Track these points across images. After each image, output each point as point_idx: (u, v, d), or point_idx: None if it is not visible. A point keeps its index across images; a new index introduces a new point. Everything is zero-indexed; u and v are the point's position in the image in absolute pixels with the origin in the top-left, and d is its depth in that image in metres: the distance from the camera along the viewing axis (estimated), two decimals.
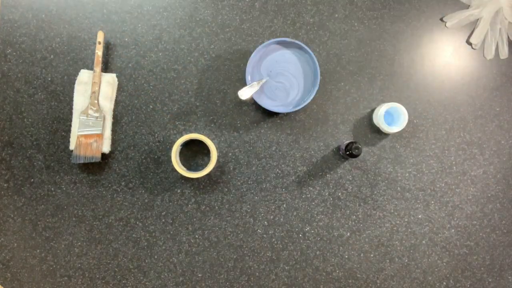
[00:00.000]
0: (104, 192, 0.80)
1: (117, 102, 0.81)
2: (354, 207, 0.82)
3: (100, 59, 0.78)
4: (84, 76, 0.78)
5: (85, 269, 0.80)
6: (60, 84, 0.80)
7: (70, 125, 0.79)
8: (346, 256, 0.82)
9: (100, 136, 0.77)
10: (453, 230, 0.84)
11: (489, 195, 0.84)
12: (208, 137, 0.77)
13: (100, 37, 0.78)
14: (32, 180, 0.79)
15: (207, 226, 0.81)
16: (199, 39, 0.82)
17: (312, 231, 0.82)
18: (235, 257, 0.81)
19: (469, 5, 0.86)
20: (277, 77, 0.81)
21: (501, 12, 0.85)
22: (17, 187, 0.79)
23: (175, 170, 0.79)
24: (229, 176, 0.81)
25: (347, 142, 0.77)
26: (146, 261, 0.80)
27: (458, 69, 0.85)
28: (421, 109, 0.84)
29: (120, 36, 0.81)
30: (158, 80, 0.81)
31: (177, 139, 0.76)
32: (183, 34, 0.82)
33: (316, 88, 0.78)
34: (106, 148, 0.78)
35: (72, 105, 0.79)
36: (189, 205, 0.81)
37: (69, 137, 0.79)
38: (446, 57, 0.85)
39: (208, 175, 0.80)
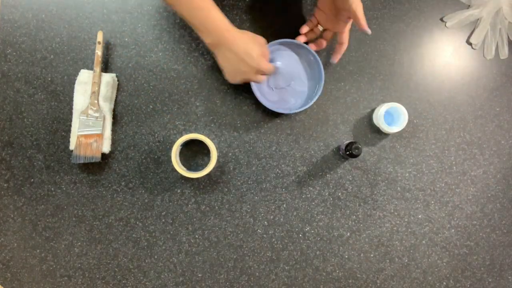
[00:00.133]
0: (104, 192, 0.80)
1: (117, 102, 0.81)
2: (354, 207, 0.82)
3: (100, 59, 0.78)
4: (84, 76, 0.78)
5: (85, 269, 0.80)
6: (60, 84, 0.80)
7: (70, 125, 0.79)
8: (346, 256, 0.82)
9: (100, 136, 0.77)
10: (453, 230, 0.84)
11: (489, 195, 0.84)
12: (208, 137, 0.77)
13: (100, 37, 0.78)
14: (32, 180, 0.79)
15: (207, 226, 0.81)
16: (199, 39, 0.82)
17: (312, 231, 0.82)
18: (235, 257, 0.81)
19: (469, 5, 0.86)
20: (280, 77, 0.81)
21: (501, 12, 0.85)
22: (17, 187, 0.79)
23: (175, 170, 0.79)
24: (229, 176, 0.81)
25: (347, 142, 0.77)
26: (146, 261, 0.80)
27: (458, 69, 0.85)
28: (421, 109, 0.84)
29: (120, 36, 0.81)
30: (158, 80, 0.81)
31: (177, 139, 0.76)
32: (183, 34, 0.82)
33: (321, 90, 0.78)
34: (106, 148, 0.78)
35: (72, 105, 0.79)
36: (189, 205, 0.81)
37: (69, 137, 0.79)
38: (446, 57, 0.85)
39: (208, 175, 0.80)
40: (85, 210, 0.80)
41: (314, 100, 0.78)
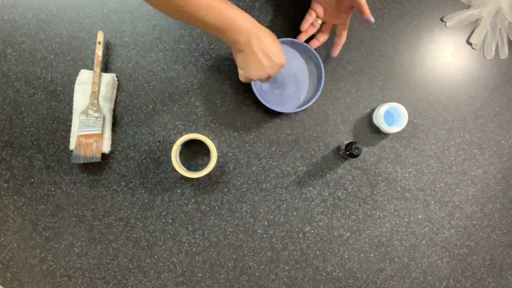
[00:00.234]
0: (104, 192, 0.80)
1: (117, 102, 0.81)
2: (354, 207, 0.82)
3: (100, 59, 0.78)
4: (84, 76, 0.78)
5: (85, 269, 0.80)
6: (60, 84, 0.80)
7: (70, 125, 0.79)
8: (346, 256, 0.82)
9: (100, 136, 0.77)
10: (453, 230, 0.84)
11: (489, 195, 0.84)
12: (208, 137, 0.77)
13: (100, 37, 0.78)
14: (32, 180, 0.79)
15: (207, 226, 0.81)
16: (199, 39, 0.82)
17: (312, 231, 0.82)
18: (235, 257, 0.81)
19: (469, 5, 0.86)
20: (281, 77, 0.81)
21: (501, 12, 0.85)
22: (17, 187, 0.79)
23: (175, 170, 0.79)
24: (229, 176, 0.81)
25: (347, 142, 0.77)
26: (146, 261, 0.80)
27: (458, 69, 0.85)
28: (421, 109, 0.84)
29: (120, 36, 0.81)
30: (158, 80, 0.81)
31: (177, 139, 0.76)
32: (183, 34, 0.82)
33: (321, 89, 0.78)
34: (106, 148, 0.78)
35: (72, 105, 0.79)
36: (189, 205, 0.81)
37: (69, 137, 0.79)
38: (446, 57, 0.85)
39: (208, 175, 0.80)
40: (85, 210, 0.80)
41: (314, 99, 0.78)
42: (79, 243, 0.80)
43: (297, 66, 0.81)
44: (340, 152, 0.81)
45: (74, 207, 0.80)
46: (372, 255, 0.82)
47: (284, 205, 0.82)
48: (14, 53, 0.80)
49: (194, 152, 0.81)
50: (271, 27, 0.83)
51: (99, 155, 0.77)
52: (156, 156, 0.81)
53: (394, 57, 0.84)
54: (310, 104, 0.78)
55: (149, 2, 0.59)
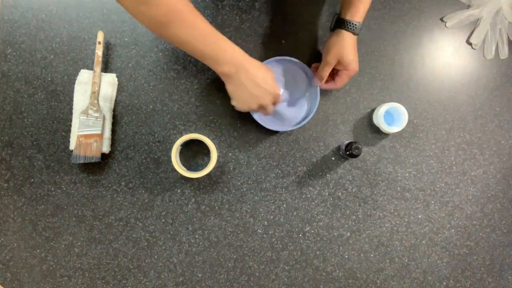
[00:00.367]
0: (104, 192, 0.80)
1: (117, 102, 0.81)
2: (354, 207, 0.82)
3: (100, 59, 0.78)
4: (84, 76, 0.78)
5: (85, 269, 0.80)
6: (60, 84, 0.80)
7: (70, 125, 0.79)
8: (346, 256, 0.82)
9: (100, 136, 0.77)
10: (453, 230, 0.84)
11: (489, 195, 0.84)
12: (208, 137, 0.77)
13: (100, 37, 0.78)
14: (32, 180, 0.79)
15: (207, 226, 0.81)
16: None
17: (312, 231, 0.82)
18: (235, 257, 0.81)
19: (469, 5, 0.86)
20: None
21: (501, 12, 0.85)
22: (17, 187, 0.79)
23: (175, 170, 0.79)
24: (229, 176, 0.81)
25: (347, 142, 0.77)
26: (146, 261, 0.80)
27: (458, 69, 0.85)
28: (421, 109, 0.84)
29: (120, 36, 0.81)
30: (158, 80, 0.81)
31: (177, 139, 0.76)
32: None
33: (316, 107, 0.77)
34: (106, 148, 0.78)
35: (72, 105, 0.79)
36: (189, 205, 0.81)
37: (69, 137, 0.79)
38: (446, 57, 0.85)
39: (208, 175, 0.79)
40: (85, 210, 0.80)
41: (309, 118, 0.77)
42: (79, 243, 0.80)
43: (292, 84, 0.81)
44: (340, 152, 0.81)
45: (74, 207, 0.80)
46: (372, 255, 0.82)
47: (284, 205, 0.82)
48: (14, 53, 0.80)
49: (194, 152, 0.81)
50: (271, 27, 0.83)
51: (99, 155, 0.77)
52: (156, 156, 0.81)
53: (394, 57, 0.84)
54: (305, 122, 0.77)
55: (148, 27, 0.61)
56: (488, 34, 0.86)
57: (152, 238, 0.80)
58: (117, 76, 0.80)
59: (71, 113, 0.79)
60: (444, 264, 0.83)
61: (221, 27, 0.82)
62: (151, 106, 0.81)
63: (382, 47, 0.84)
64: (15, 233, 0.79)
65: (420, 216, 0.83)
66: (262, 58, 0.78)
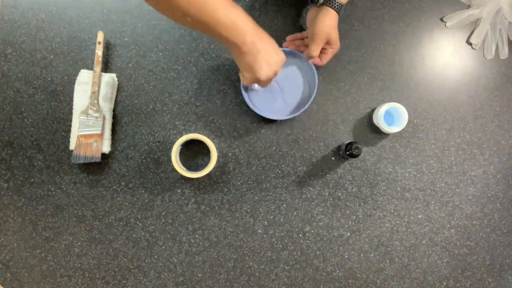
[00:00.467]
0: (104, 192, 0.80)
1: (117, 102, 0.81)
2: (354, 207, 0.82)
3: (100, 59, 0.78)
4: (84, 76, 0.78)
5: (85, 269, 0.80)
6: (60, 84, 0.80)
7: (70, 125, 0.79)
8: (346, 256, 0.82)
9: (100, 136, 0.77)
10: (453, 230, 0.84)
11: (489, 195, 0.84)
12: (208, 137, 0.77)
13: (100, 37, 0.78)
14: (32, 180, 0.79)
15: (207, 226, 0.81)
16: (199, 39, 0.82)
17: (312, 231, 0.82)
18: (235, 257, 0.81)
19: (469, 5, 0.86)
20: (275, 84, 0.80)
21: (501, 12, 0.85)
22: (17, 187, 0.79)
23: (175, 170, 0.79)
24: (229, 176, 0.81)
25: (347, 142, 0.77)
26: (146, 261, 0.80)
27: (458, 69, 0.85)
28: (421, 109, 0.84)
29: (120, 36, 0.81)
30: (158, 80, 0.81)
31: (177, 139, 0.76)
32: (183, 34, 0.82)
33: (313, 97, 0.78)
34: (106, 148, 0.78)
35: (72, 105, 0.79)
36: (189, 205, 0.81)
37: (69, 137, 0.79)
38: (446, 57, 0.85)
39: (208, 175, 0.79)
40: (85, 210, 0.80)
41: (306, 107, 0.78)
42: (79, 243, 0.80)
43: (291, 74, 0.81)
44: (340, 152, 0.81)
45: (74, 207, 0.80)
46: (372, 255, 0.82)
47: (284, 205, 0.82)
48: (14, 53, 0.80)
49: (194, 152, 0.81)
50: (271, 27, 0.83)
51: (99, 155, 0.77)
52: (156, 156, 0.81)
53: (394, 57, 0.84)
54: (301, 111, 0.78)
55: (157, 9, 0.59)
56: (488, 34, 0.85)
57: (152, 238, 0.80)
58: (117, 76, 0.80)
59: (71, 113, 0.79)
60: (444, 264, 0.83)
61: None
62: (151, 106, 0.81)
63: (382, 47, 0.84)
64: (15, 233, 0.79)
65: (420, 216, 0.83)
66: None
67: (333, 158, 0.82)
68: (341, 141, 0.83)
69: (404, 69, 0.84)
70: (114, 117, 0.80)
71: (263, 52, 0.64)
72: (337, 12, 0.72)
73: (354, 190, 0.82)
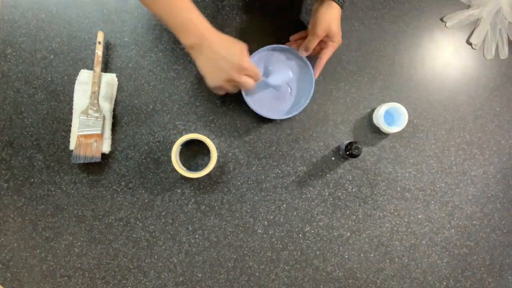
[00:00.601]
0: (104, 192, 0.80)
1: (117, 102, 0.81)
2: (354, 207, 0.82)
3: (100, 59, 0.78)
4: (84, 76, 0.78)
5: (85, 269, 0.80)
6: (60, 84, 0.80)
7: (70, 125, 0.79)
8: (346, 256, 0.82)
9: (100, 136, 0.77)
10: (453, 230, 0.84)
11: (489, 195, 0.84)
12: (208, 137, 0.77)
13: (100, 37, 0.78)
14: (32, 180, 0.79)
15: (207, 226, 0.81)
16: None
17: (312, 231, 0.82)
18: (235, 257, 0.81)
19: (469, 5, 0.86)
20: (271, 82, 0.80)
21: (501, 12, 0.85)
22: (17, 187, 0.79)
23: (175, 170, 0.79)
24: (229, 176, 0.81)
25: (347, 142, 0.77)
26: (146, 261, 0.80)
27: (458, 69, 0.85)
28: (421, 109, 0.84)
29: (120, 36, 0.81)
30: (158, 80, 0.81)
31: (177, 139, 0.76)
32: None
33: (310, 97, 0.78)
34: (106, 148, 0.78)
35: (72, 105, 0.79)
36: (189, 205, 0.81)
37: (69, 137, 0.79)
38: (446, 57, 0.85)
39: (208, 175, 0.79)
40: (85, 210, 0.80)
41: (304, 106, 0.78)
42: (79, 243, 0.80)
43: (288, 72, 0.81)
44: (340, 152, 0.81)
45: (74, 207, 0.80)
46: (372, 255, 0.82)
47: (284, 205, 0.82)
48: (14, 53, 0.80)
49: (194, 152, 0.81)
50: (271, 27, 0.83)
51: (99, 155, 0.77)
52: (156, 156, 0.81)
53: (394, 57, 0.84)
54: (299, 110, 0.78)
55: None
56: (488, 34, 0.85)
57: (152, 238, 0.80)
58: (117, 76, 0.80)
59: (71, 113, 0.79)
60: (444, 264, 0.83)
61: (221, 27, 0.82)
62: (151, 106, 0.81)
63: (382, 47, 0.84)
64: (15, 233, 0.79)
65: (420, 216, 0.83)
66: None
67: (333, 158, 0.82)
68: (341, 141, 0.83)
69: (404, 69, 0.84)
70: (114, 117, 0.80)
71: (212, 56, 0.64)
72: (339, 5, 0.71)
73: (354, 190, 0.82)
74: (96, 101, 0.77)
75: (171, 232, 0.80)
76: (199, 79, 0.82)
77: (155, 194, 0.80)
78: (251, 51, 0.81)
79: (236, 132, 0.82)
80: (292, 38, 0.81)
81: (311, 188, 0.82)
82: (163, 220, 0.80)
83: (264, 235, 0.81)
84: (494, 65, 0.86)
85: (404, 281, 0.82)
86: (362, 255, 0.82)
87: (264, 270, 0.81)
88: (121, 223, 0.80)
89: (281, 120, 0.82)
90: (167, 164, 0.80)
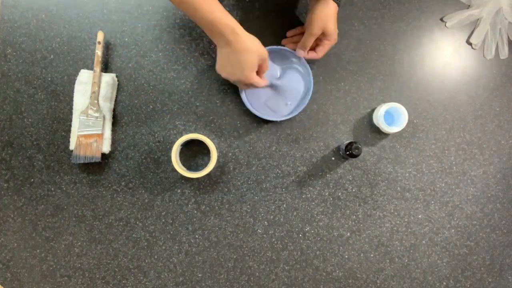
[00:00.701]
0: (104, 192, 0.80)
1: (117, 102, 0.81)
2: (354, 207, 0.82)
3: (100, 59, 0.78)
4: (84, 76, 0.78)
5: (85, 269, 0.80)
6: (60, 84, 0.80)
7: (70, 125, 0.79)
8: (346, 256, 0.82)
9: (100, 136, 0.77)
10: (453, 230, 0.84)
11: (489, 195, 0.84)
12: (208, 137, 0.77)
13: (100, 37, 0.78)
14: (32, 180, 0.79)
15: (207, 226, 0.81)
16: (199, 39, 0.82)
17: (312, 231, 0.82)
18: (235, 257, 0.81)
19: (469, 5, 0.86)
20: (271, 84, 0.80)
21: (501, 12, 0.85)
22: (17, 187, 0.79)
23: (175, 170, 0.79)
24: (229, 176, 0.81)
25: (347, 142, 0.77)
26: (146, 261, 0.80)
27: (458, 69, 0.85)
28: (421, 109, 0.84)
29: (120, 36, 0.81)
30: (158, 80, 0.81)
31: (177, 139, 0.76)
32: (183, 34, 0.82)
33: (309, 98, 0.78)
34: (106, 148, 0.78)
35: (72, 105, 0.79)
36: (189, 205, 0.81)
37: (69, 137, 0.79)
38: (446, 57, 0.85)
39: (208, 175, 0.79)
40: (85, 210, 0.80)
41: (303, 107, 0.78)
42: (79, 243, 0.80)
43: (287, 74, 0.81)
44: (340, 152, 0.81)
45: (74, 207, 0.80)
46: (372, 255, 0.82)
47: (284, 205, 0.82)
48: (14, 53, 0.80)
49: (194, 152, 0.81)
50: (271, 27, 0.83)
51: (99, 155, 0.77)
52: (156, 156, 0.81)
53: (394, 57, 0.84)
54: (297, 112, 0.78)
55: None
56: (488, 34, 0.85)
57: (152, 238, 0.80)
58: (117, 76, 0.80)
59: (71, 113, 0.79)
60: (444, 264, 0.83)
61: None
62: (151, 106, 0.81)
63: (382, 47, 0.84)
64: (15, 233, 0.79)
65: (420, 216, 0.83)
66: None
67: (333, 158, 0.82)
68: (341, 141, 0.83)
69: (404, 69, 0.84)
70: (114, 117, 0.80)
71: (230, 59, 0.66)
72: (336, 3, 0.71)
73: (354, 190, 0.82)
74: (96, 101, 0.77)
75: (171, 232, 0.80)
76: (199, 79, 0.82)
77: (155, 194, 0.80)
78: None
79: (236, 132, 0.82)
80: (288, 33, 0.81)
81: (311, 188, 0.82)
82: (163, 220, 0.80)
83: (264, 235, 0.81)
84: (494, 65, 0.86)
85: (404, 281, 0.82)
86: (362, 255, 0.82)
87: (264, 270, 0.81)
88: (121, 223, 0.80)
89: (281, 121, 0.82)
90: (167, 164, 0.80)
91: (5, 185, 0.79)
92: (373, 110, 0.83)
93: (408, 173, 0.83)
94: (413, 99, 0.84)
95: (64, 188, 0.80)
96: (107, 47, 0.81)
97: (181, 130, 0.81)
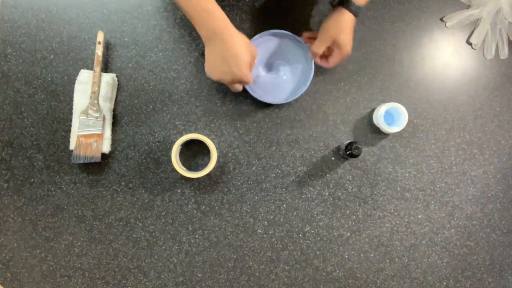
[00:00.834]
0: (104, 192, 0.80)
1: (117, 102, 0.81)
2: (354, 207, 0.82)
3: (100, 59, 0.78)
4: (84, 76, 0.78)
5: (85, 269, 0.80)
6: (60, 84, 0.80)
7: (70, 125, 0.79)
8: (346, 256, 0.82)
9: (100, 136, 0.77)
10: (453, 230, 0.84)
11: (489, 195, 0.84)
12: (208, 137, 0.77)
13: (100, 37, 0.78)
14: (32, 180, 0.79)
15: (207, 226, 0.81)
16: (199, 39, 0.82)
17: (312, 231, 0.82)
18: (235, 257, 0.81)
19: (469, 5, 0.86)
20: (271, 68, 0.80)
21: (501, 12, 0.85)
22: (17, 187, 0.79)
23: (175, 170, 0.79)
24: (229, 176, 0.81)
25: (347, 142, 0.77)
26: (146, 261, 0.80)
27: (458, 69, 0.85)
28: (421, 109, 0.84)
29: (120, 36, 0.81)
30: (158, 80, 0.81)
31: (177, 139, 0.76)
32: (183, 34, 0.82)
33: (310, 79, 0.77)
34: (106, 148, 0.78)
35: (72, 105, 0.79)
36: (189, 205, 0.81)
37: (69, 137, 0.79)
38: (446, 57, 0.85)
39: (208, 175, 0.80)
40: (85, 210, 0.80)
41: (304, 90, 0.77)
42: (79, 243, 0.80)
43: (288, 57, 0.80)
44: (340, 152, 0.81)
45: (74, 207, 0.80)
46: (372, 255, 0.82)
47: (284, 205, 0.82)
48: (14, 53, 0.80)
49: (194, 152, 0.81)
50: (271, 27, 0.82)
51: (99, 155, 0.77)
52: (156, 156, 0.81)
53: (394, 57, 0.84)
54: (300, 93, 0.77)
55: None
56: (488, 34, 0.86)
57: (152, 238, 0.80)
58: (117, 76, 0.81)
59: (71, 113, 0.79)
60: (444, 264, 0.83)
61: None
62: (151, 106, 0.81)
63: (382, 47, 0.84)
64: (15, 233, 0.79)
65: (420, 216, 0.83)
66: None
67: (333, 158, 0.82)
68: (341, 141, 0.83)
69: (404, 69, 0.84)
70: (114, 117, 0.80)
71: (219, 55, 0.65)
72: (352, 13, 0.68)
73: (354, 190, 0.82)
74: (96, 101, 0.77)
75: (171, 232, 0.80)
76: (199, 79, 0.82)
77: (155, 194, 0.80)
78: None
79: (236, 132, 0.82)
80: (305, 35, 0.79)
81: (311, 188, 0.82)
82: (163, 220, 0.80)
83: (264, 235, 0.81)
84: (494, 65, 0.86)
85: (404, 281, 0.82)
86: (362, 255, 0.82)
87: (264, 270, 0.81)
88: (121, 223, 0.80)
89: (282, 120, 0.82)
90: (167, 164, 0.80)
91: (5, 185, 0.79)
92: (373, 110, 0.83)
93: (408, 173, 0.83)
94: (413, 99, 0.84)
95: (64, 188, 0.80)
96: (107, 47, 0.81)
97: (181, 130, 0.81)
